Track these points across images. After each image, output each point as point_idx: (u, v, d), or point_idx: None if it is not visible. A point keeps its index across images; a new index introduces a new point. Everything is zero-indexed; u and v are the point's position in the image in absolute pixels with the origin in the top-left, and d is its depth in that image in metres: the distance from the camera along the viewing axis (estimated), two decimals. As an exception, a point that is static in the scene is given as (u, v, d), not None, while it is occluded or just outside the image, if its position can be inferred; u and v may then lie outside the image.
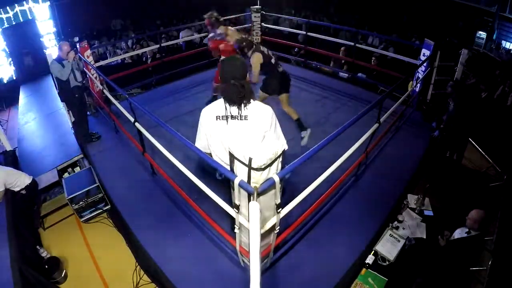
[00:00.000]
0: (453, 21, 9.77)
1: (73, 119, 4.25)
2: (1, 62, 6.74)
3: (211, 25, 4.21)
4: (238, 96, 1.73)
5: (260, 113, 1.80)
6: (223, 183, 2.45)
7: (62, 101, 4.00)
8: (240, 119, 1.79)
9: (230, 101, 1.77)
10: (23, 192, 3.23)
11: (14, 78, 6.96)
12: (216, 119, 1.82)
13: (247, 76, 1.85)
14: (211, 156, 2.00)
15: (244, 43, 3.49)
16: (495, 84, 6.19)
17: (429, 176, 3.54)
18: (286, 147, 1.88)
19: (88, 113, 4.64)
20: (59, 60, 3.57)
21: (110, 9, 10.40)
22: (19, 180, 3.20)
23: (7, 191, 3.16)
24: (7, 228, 2.79)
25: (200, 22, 8.10)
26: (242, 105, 1.77)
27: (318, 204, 2.53)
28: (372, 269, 2.55)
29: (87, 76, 4.46)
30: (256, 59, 3.41)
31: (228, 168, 1.86)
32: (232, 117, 1.79)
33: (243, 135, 1.80)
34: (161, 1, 11.03)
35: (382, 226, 2.87)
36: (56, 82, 3.77)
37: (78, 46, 4.36)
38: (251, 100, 1.80)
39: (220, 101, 1.84)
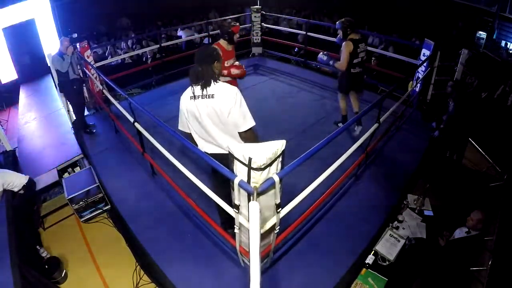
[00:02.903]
0: (453, 21, 9.76)
1: (73, 119, 4.33)
2: (1, 62, 6.73)
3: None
4: (196, 76, 2.03)
5: (224, 92, 2.02)
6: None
7: (60, 91, 4.21)
8: (208, 98, 2.03)
9: (192, 81, 2.06)
10: (21, 192, 3.24)
11: (14, 78, 6.96)
12: (190, 99, 2.09)
13: (215, 62, 2.08)
14: (191, 136, 2.25)
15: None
16: (495, 84, 6.19)
17: (429, 176, 3.54)
18: (254, 122, 2.09)
19: (87, 112, 4.66)
20: (60, 54, 3.85)
21: (110, 9, 10.39)
22: (15, 181, 3.21)
23: (6, 191, 3.17)
24: (7, 228, 2.79)
25: (200, 22, 8.14)
26: (203, 85, 2.02)
27: (318, 204, 2.53)
28: (372, 269, 2.55)
29: (87, 76, 4.47)
30: (346, 47, 3.48)
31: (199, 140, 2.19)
32: (199, 96, 2.05)
33: (211, 111, 2.04)
34: (161, 1, 11.01)
35: (382, 226, 2.87)
36: (56, 74, 4.03)
37: (78, 46, 4.38)
38: (214, 82, 2.04)
39: None
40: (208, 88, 2.02)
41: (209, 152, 2.16)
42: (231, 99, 2.00)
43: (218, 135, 2.11)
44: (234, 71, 3.21)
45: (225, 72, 3.16)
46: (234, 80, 3.32)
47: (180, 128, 2.29)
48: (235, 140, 2.10)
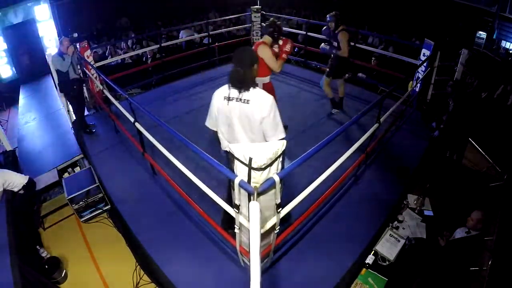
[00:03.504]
0: (453, 21, 9.76)
1: (73, 119, 4.33)
2: (2, 62, 6.74)
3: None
4: (237, 80, 1.97)
5: (260, 99, 1.98)
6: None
7: (60, 91, 4.19)
8: (242, 102, 1.99)
9: (232, 84, 2.01)
10: (21, 192, 3.24)
11: (14, 78, 6.96)
12: (224, 99, 2.06)
13: (255, 65, 2.03)
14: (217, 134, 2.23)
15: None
16: (495, 84, 6.19)
17: (429, 176, 3.54)
18: (284, 135, 2.07)
19: (87, 112, 4.67)
20: (60, 54, 3.85)
21: (110, 9, 10.40)
22: (15, 180, 3.21)
23: (6, 191, 3.17)
24: (7, 228, 2.79)
25: (200, 22, 8.15)
26: (243, 89, 1.98)
27: (318, 204, 2.53)
28: (372, 269, 2.55)
29: (87, 76, 4.47)
30: (344, 35, 3.91)
31: (226, 140, 2.16)
32: (235, 99, 2.01)
33: (243, 116, 2.01)
34: (161, 1, 11.02)
35: (382, 226, 2.87)
36: (56, 74, 4.02)
37: (78, 46, 4.38)
38: (252, 87, 1.99)
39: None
40: (246, 92, 1.98)
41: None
42: (267, 108, 1.97)
43: (244, 140, 2.08)
44: (288, 46, 3.10)
45: (285, 55, 3.11)
46: (269, 83, 3.25)
47: (207, 124, 2.27)
48: None
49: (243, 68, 1.97)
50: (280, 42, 3.14)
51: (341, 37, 3.91)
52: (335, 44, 4.06)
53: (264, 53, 3.07)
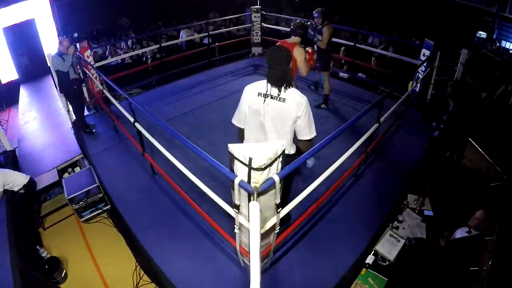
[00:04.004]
0: (453, 21, 9.76)
1: (73, 119, 4.33)
2: (2, 61, 6.74)
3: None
4: (278, 78, 1.95)
5: (296, 99, 1.98)
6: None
7: (61, 92, 4.18)
8: (278, 100, 1.99)
9: (272, 82, 1.98)
10: (22, 191, 3.24)
11: (14, 78, 6.96)
12: (258, 95, 2.03)
13: (290, 64, 2.02)
14: (243, 132, 2.20)
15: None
16: (495, 84, 6.18)
17: (429, 176, 3.54)
18: (315, 134, 2.09)
19: (87, 112, 4.67)
20: (60, 54, 3.83)
21: (110, 9, 10.40)
22: (16, 180, 3.21)
23: (6, 191, 3.17)
24: (7, 228, 2.79)
25: (200, 22, 8.14)
26: (282, 88, 1.97)
27: (318, 204, 2.53)
28: (372, 269, 2.56)
29: (87, 76, 4.47)
30: (328, 29, 4.14)
31: (264, 140, 2.10)
32: (271, 96, 2.00)
33: (277, 114, 2.01)
34: (161, 1, 11.01)
35: (382, 226, 2.87)
36: (56, 75, 4.01)
37: (78, 46, 4.37)
38: (291, 87, 2.00)
39: (264, 81, 2.05)
40: (284, 91, 1.98)
41: None
42: (302, 109, 1.98)
43: (273, 139, 2.06)
44: (314, 57, 3.17)
45: (312, 63, 3.14)
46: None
47: (234, 122, 2.23)
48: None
49: (281, 66, 1.96)
50: (309, 50, 3.19)
51: (325, 30, 4.17)
52: (320, 37, 4.22)
53: (300, 55, 3.06)
